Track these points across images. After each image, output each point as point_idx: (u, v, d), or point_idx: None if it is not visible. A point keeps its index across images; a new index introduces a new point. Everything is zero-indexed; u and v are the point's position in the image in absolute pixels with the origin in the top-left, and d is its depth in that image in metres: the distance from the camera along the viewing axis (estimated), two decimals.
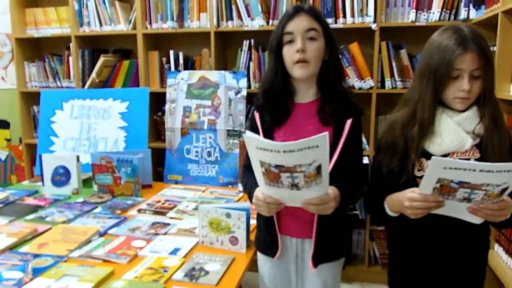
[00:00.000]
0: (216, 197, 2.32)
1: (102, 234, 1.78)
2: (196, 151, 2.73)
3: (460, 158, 1.27)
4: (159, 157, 2.95)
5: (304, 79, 1.44)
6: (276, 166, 1.17)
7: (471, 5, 2.54)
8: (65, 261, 1.53)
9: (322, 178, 1.19)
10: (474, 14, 2.53)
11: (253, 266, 1.62)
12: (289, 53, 1.41)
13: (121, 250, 1.61)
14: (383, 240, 2.97)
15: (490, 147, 1.25)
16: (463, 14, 2.58)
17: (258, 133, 1.44)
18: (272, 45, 1.45)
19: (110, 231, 1.80)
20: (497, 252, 2.17)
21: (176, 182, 2.68)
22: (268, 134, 1.44)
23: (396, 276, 1.51)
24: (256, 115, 1.51)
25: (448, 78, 1.24)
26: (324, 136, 1.11)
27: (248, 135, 1.21)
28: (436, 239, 1.36)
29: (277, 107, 1.47)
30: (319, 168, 1.16)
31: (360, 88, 2.77)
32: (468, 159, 1.27)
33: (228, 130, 2.68)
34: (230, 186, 2.60)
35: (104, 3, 3.08)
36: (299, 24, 1.39)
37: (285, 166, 1.16)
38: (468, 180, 1.09)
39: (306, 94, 1.48)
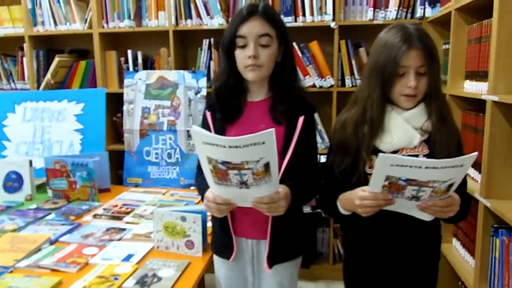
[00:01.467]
0: (176, 200, 2.27)
1: (53, 242, 1.71)
2: (156, 153, 2.67)
3: (409, 155, 1.28)
4: (119, 160, 2.87)
5: (257, 81, 1.43)
6: (224, 163, 1.14)
7: (426, 3, 2.59)
8: (11, 271, 1.46)
9: (272, 177, 1.17)
10: (430, 12, 2.58)
11: (213, 268, 1.59)
12: (241, 57, 1.38)
13: (72, 258, 1.55)
14: None
15: (438, 144, 1.27)
16: (419, 12, 2.63)
17: (210, 132, 1.40)
18: (224, 45, 1.42)
19: (61, 239, 1.73)
20: (454, 246, 2.20)
21: (136, 185, 2.61)
22: (220, 133, 1.41)
23: (351, 272, 1.51)
24: (208, 114, 1.48)
25: (394, 76, 1.25)
26: (270, 133, 1.08)
27: (194, 129, 1.17)
28: (388, 235, 1.37)
29: (229, 104, 1.44)
30: (267, 166, 1.13)
31: (321, 87, 2.78)
32: (417, 155, 1.28)
33: (188, 131, 2.63)
34: (191, 188, 2.55)
35: (59, 1, 2.98)
36: (252, 29, 1.36)
37: (232, 163, 1.13)
38: (415, 177, 1.09)
39: (258, 93, 1.47)
